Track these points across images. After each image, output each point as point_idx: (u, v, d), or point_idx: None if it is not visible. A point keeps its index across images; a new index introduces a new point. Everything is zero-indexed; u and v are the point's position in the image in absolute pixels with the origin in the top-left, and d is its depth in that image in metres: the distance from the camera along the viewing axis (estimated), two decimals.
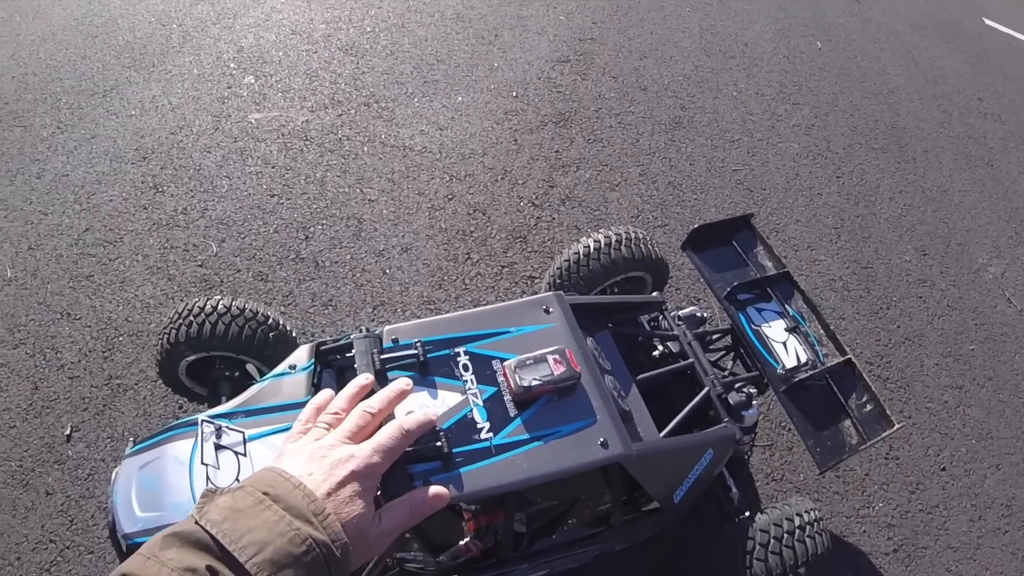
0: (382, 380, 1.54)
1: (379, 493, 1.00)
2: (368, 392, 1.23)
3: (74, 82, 4.13)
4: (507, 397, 1.60)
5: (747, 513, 2.22)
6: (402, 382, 1.18)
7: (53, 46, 4.38)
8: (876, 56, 6.23)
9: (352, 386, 1.17)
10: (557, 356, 1.60)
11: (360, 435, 1.02)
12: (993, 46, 7.22)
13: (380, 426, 1.08)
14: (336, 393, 1.17)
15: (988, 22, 7.82)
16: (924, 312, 3.87)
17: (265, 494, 0.84)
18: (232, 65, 4.38)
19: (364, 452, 0.96)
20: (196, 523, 0.79)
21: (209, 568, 0.73)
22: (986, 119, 5.84)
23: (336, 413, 1.08)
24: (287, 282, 3.23)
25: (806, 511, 2.21)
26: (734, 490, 2.27)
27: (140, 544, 1.49)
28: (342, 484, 0.90)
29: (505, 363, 1.62)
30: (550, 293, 1.88)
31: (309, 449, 0.96)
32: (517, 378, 1.56)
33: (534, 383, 1.56)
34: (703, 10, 6.11)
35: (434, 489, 1.07)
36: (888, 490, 3.02)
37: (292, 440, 1.04)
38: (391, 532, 0.97)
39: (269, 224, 3.47)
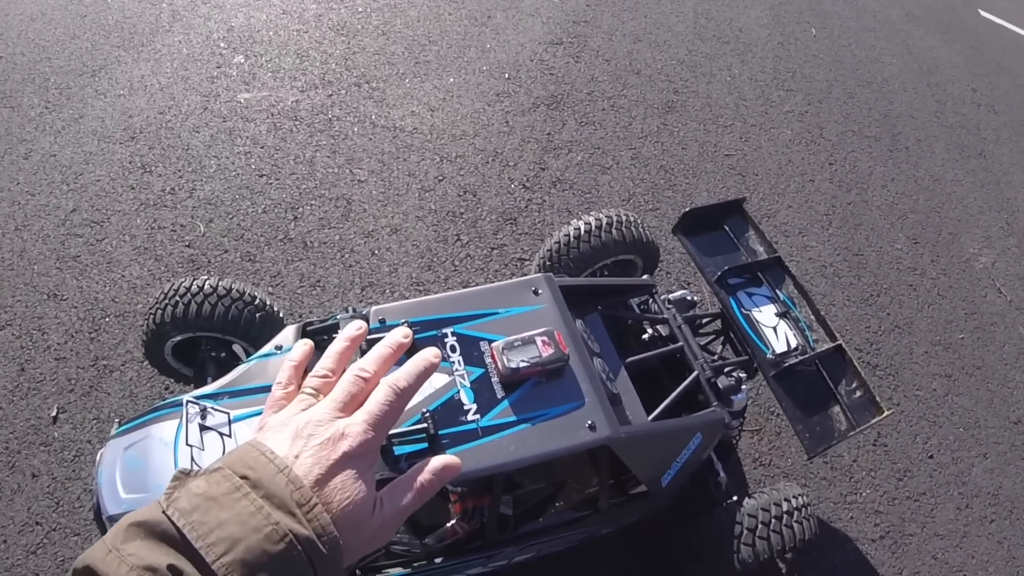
0: None
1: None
2: (360, 341, 1.06)
3: (63, 62, 4.09)
4: (495, 379, 1.58)
5: (735, 497, 2.23)
6: (399, 333, 1.00)
7: (42, 25, 4.33)
8: (870, 45, 6.21)
9: (341, 339, 1.00)
10: (546, 338, 1.59)
11: (353, 404, 0.88)
12: (988, 37, 7.21)
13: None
14: (305, 347, 1.01)
15: (983, 13, 7.80)
16: (914, 300, 3.88)
17: (244, 478, 0.73)
18: (222, 45, 4.34)
19: (357, 428, 0.82)
20: (163, 512, 0.68)
21: (171, 568, 0.65)
22: (979, 110, 5.84)
23: (325, 376, 0.93)
24: (275, 262, 3.21)
25: (794, 496, 2.21)
26: (722, 474, 2.27)
27: None
28: (334, 469, 0.79)
29: (493, 344, 1.61)
30: (539, 275, 1.87)
31: (295, 423, 0.83)
32: (505, 360, 1.55)
33: (522, 365, 1.55)
34: None
35: (442, 460, 0.91)
36: (876, 477, 3.03)
37: (273, 409, 0.91)
38: (396, 517, 0.84)
39: (257, 204, 3.45)
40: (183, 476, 0.73)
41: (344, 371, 0.93)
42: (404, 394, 0.90)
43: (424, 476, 0.87)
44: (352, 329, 1.01)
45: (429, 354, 0.97)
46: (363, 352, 1.06)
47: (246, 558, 0.67)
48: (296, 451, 0.79)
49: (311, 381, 0.91)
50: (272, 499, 0.72)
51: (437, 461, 0.89)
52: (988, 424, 3.40)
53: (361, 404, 0.87)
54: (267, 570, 0.68)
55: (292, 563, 0.70)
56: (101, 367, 2.78)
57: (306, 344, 0.99)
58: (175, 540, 0.67)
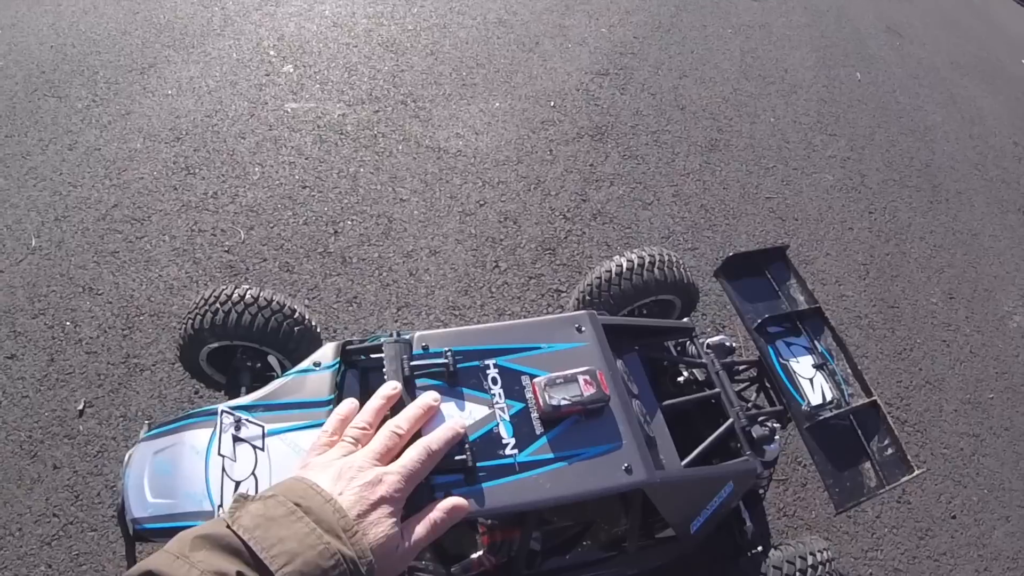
0: (410, 387, 1.53)
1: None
2: (395, 401, 1.23)
3: (112, 56, 4.14)
4: (534, 414, 1.57)
5: (760, 547, 2.20)
6: (430, 397, 1.23)
7: (94, 19, 4.39)
8: (915, 92, 6.19)
9: (378, 398, 1.19)
10: (588, 377, 1.58)
11: (388, 456, 1.04)
12: None
13: (408, 443, 1.10)
14: (359, 400, 1.19)
15: None
16: (947, 357, 3.84)
17: (297, 505, 0.85)
18: (272, 53, 4.39)
19: (393, 477, 0.98)
20: (228, 527, 0.79)
21: (239, 574, 0.74)
22: (1021, 164, 5.79)
23: (363, 428, 1.09)
24: (313, 275, 3.22)
25: (819, 551, 2.19)
26: (748, 523, 2.25)
27: (148, 530, 1.50)
28: (372, 507, 0.92)
29: (535, 380, 1.60)
30: (583, 312, 1.86)
31: (337, 466, 0.98)
32: (546, 396, 1.54)
33: (563, 403, 1.54)
34: (745, 33, 6.09)
35: (452, 501, 1.09)
36: (898, 534, 2.99)
37: (317, 452, 1.06)
38: (414, 549, 0.98)
39: (299, 215, 3.47)
40: (242, 499, 0.85)
41: (379, 425, 1.11)
42: (435, 455, 1.09)
43: (436, 514, 1.04)
44: (388, 389, 1.22)
45: (456, 424, 1.20)
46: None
47: (303, 570, 0.78)
48: (340, 489, 0.93)
49: (351, 432, 1.08)
50: (322, 523, 0.84)
51: (448, 502, 1.08)
52: (1012, 487, 3.35)
53: (395, 456, 1.04)
54: None
55: None
56: (132, 365, 2.79)
57: (353, 402, 1.17)
58: (240, 552, 0.77)
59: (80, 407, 2.66)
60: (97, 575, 2.29)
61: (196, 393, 2.74)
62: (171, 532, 1.49)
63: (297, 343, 2.21)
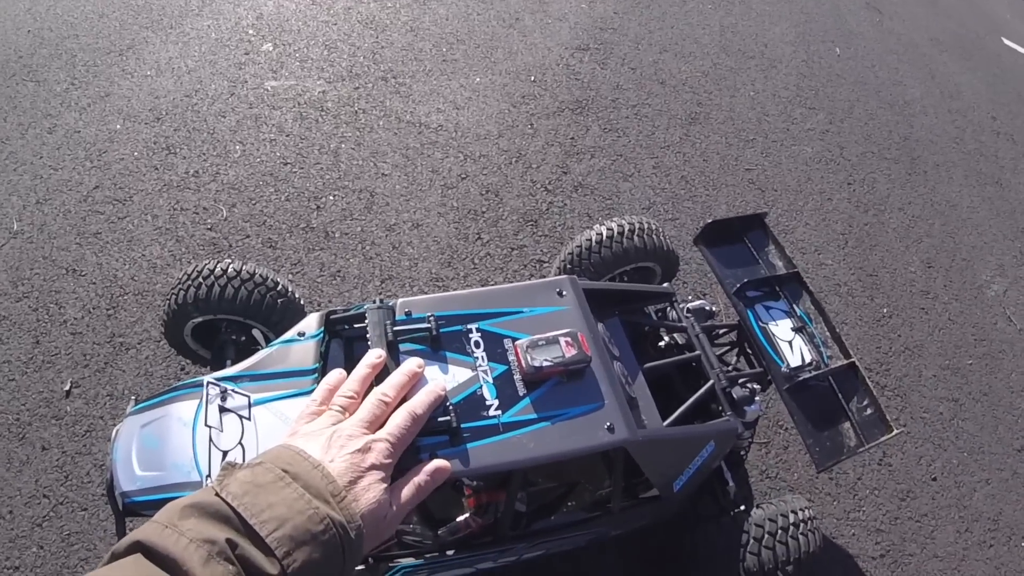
0: (394, 352, 1.55)
1: None
2: (380, 369, 1.25)
3: (90, 39, 4.11)
4: (517, 376, 1.60)
5: (742, 507, 2.24)
6: (414, 363, 1.25)
7: (71, 2, 4.35)
8: (894, 67, 6.23)
9: (364, 366, 1.22)
10: (569, 339, 1.60)
11: (376, 423, 1.06)
12: (1010, 66, 7.23)
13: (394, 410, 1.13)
14: (345, 369, 1.21)
15: (1007, 42, 7.82)
16: (925, 324, 3.89)
17: (284, 471, 0.86)
18: (251, 31, 4.36)
19: (382, 444, 1.00)
20: (216, 495, 0.80)
21: (228, 541, 0.75)
22: (999, 138, 5.84)
23: (351, 397, 1.12)
24: (296, 250, 3.23)
25: (800, 509, 2.22)
26: (731, 484, 2.28)
27: (138, 503, 1.51)
28: (362, 474, 0.95)
29: (517, 342, 1.62)
30: (564, 276, 1.88)
31: (327, 434, 0.99)
32: (528, 358, 1.56)
33: (545, 364, 1.56)
34: (725, 8, 6.09)
35: (435, 463, 1.13)
36: (879, 496, 3.04)
37: (305, 421, 1.07)
38: (401, 512, 1.01)
39: (281, 192, 3.47)
40: (230, 467, 0.87)
41: (366, 393, 1.13)
42: (420, 420, 1.12)
43: (420, 478, 1.07)
44: (373, 357, 1.25)
45: (437, 387, 1.23)
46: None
47: (293, 535, 0.79)
48: (330, 457, 0.95)
49: (339, 400, 1.10)
50: (310, 489, 0.85)
51: (431, 465, 1.11)
52: (992, 450, 3.41)
53: (382, 423, 1.07)
54: (309, 545, 0.80)
55: (328, 543, 0.82)
56: (117, 344, 2.79)
57: (340, 372, 1.19)
58: (229, 519, 0.78)
59: (67, 388, 2.65)
60: (88, 554, 2.30)
61: (182, 370, 2.74)
62: (160, 504, 1.48)
63: (281, 315, 2.22)
